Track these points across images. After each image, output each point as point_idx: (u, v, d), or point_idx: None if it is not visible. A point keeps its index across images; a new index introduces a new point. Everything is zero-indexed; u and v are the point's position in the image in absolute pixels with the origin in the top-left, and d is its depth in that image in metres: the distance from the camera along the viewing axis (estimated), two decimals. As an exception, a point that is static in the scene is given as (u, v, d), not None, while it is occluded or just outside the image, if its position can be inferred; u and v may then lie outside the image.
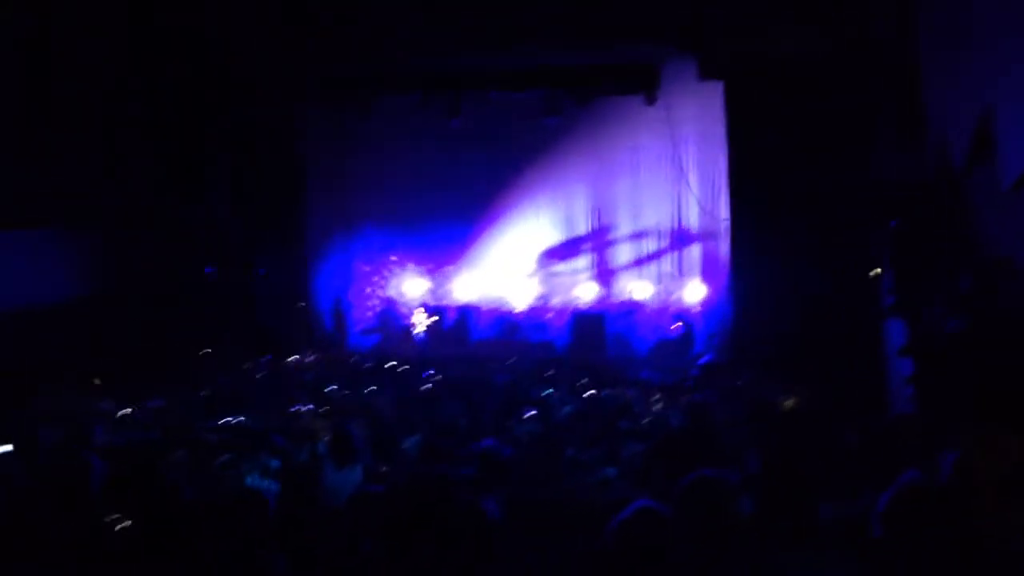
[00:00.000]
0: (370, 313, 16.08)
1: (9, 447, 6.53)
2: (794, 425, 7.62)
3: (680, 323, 14.38)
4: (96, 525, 4.24)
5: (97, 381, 10.66)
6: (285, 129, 14.93)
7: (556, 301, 15.61)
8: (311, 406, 9.45)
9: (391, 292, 16.10)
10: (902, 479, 3.14)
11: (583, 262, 15.99)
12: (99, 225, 12.34)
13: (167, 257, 13.12)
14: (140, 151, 12.89)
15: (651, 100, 14.43)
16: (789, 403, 8.66)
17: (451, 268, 16.08)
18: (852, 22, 10.34)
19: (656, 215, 15.41)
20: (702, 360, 12.97)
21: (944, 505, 3.04)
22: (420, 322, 15.20)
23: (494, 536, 3.77)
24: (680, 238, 15.21)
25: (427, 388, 10.89)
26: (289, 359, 13.57)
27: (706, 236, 14.64)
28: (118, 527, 4.24)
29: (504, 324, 15.50)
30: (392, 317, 15.76)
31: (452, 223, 15.85)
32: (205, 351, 12.69)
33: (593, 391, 10.58)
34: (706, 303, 14.49)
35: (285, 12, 11.37)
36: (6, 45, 10.67)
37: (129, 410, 9.26)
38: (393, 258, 16.11)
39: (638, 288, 15.31)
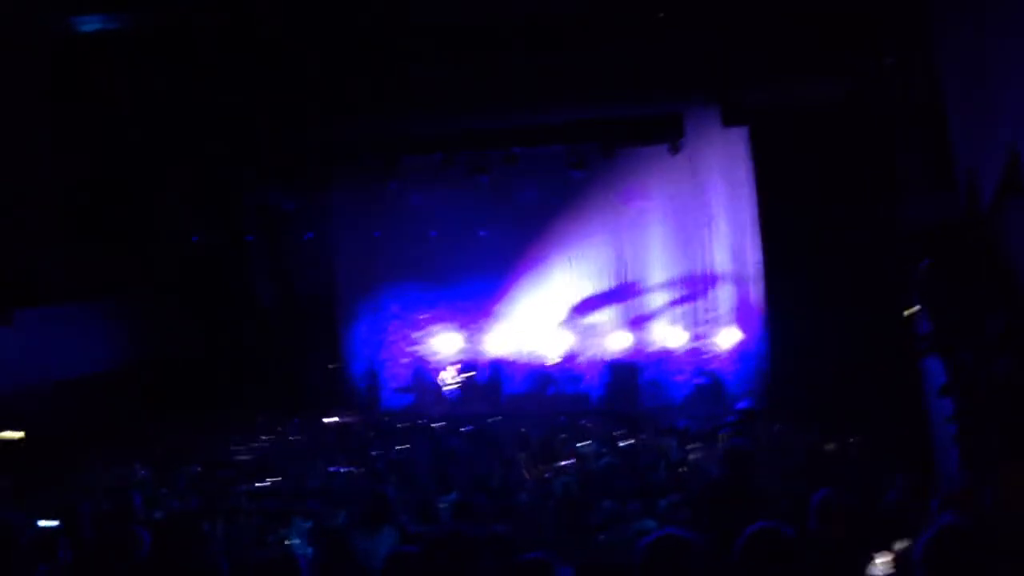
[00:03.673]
0: (403, 371, 16.10)
1: (55, 522, 6.56)
2: (839, 473, 7.50)
3: (705, 376, 14.26)
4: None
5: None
6: (314, 192, 15.14)
7: (589, 352, 15.55)
8: (345, 467, 9.44)
9: (423, 350, 16.12)
10: (939, 522, 3.07)
11: (614, 312, 15.92)
12: (135, 298, 12.55)
13: (200, 325, 13.28)
14: (178, 224, 13.14)
15: (676, 149, 14.45)
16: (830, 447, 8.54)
17: (482, 323, 16.09)
18: (874, 65, 10.35)
19: (686, 262, 15.34)
20: (739, 406, 12.84)
21: (985, 546, 2.97)
22: (452, 378, 15.17)
23: None
24: (711, 284, 15.12)
25: (461, 445, 10.85)
26: (323, 420, 13.58)
27: (737, 281, 14.56)
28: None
29: (537, 377, 15.44)
30: (425, 375, 15.76)
31: (482, 279, 15.88)
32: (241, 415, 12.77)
33: (629, 441, 10.50)
34: (740, 348, 14.37)
35: (309, 79, 11.57)
36: (49, 124, 10.99)
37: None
38: (424, 316, 16.15)
39: (671, 336, 15.21)
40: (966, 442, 6.99)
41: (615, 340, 15.52)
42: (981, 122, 7.77)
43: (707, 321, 15.11)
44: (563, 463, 9.32)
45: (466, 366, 15.44)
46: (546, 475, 8.97)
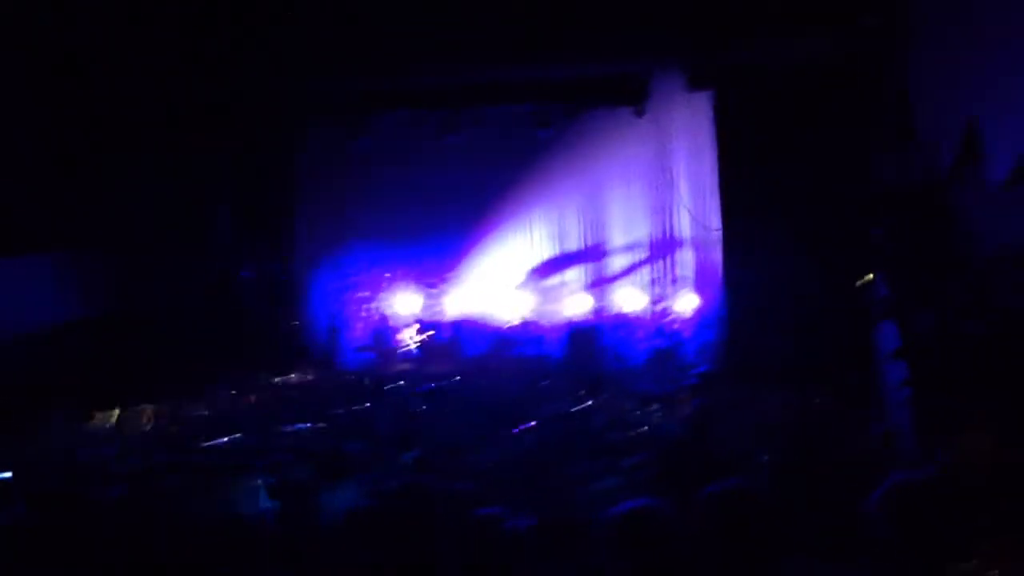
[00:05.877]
0: (364, 330, 16.04)
1: (8, 474, 6.50)
2: (795, 434, 7.61)
3: (665, 339, 14.35)
4: (106, 551, 4.20)
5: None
6: (279, 148, 14.96)
7: (550, 314, 15.59)
8: (307, 424, 9.44)
9: (385, 309, 16.07)
10: (892, 478, 3.14)
11: (576, 274, 15.96)
12: (95, 248, 12.35)
13: (163, 280, 13.12)
14: (142, 174, 12.92)
15: (640, 111, 14.46)
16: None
17: (444, 284, 16.05)
18: (843, 30, 10.39)
19: (648, 226, 15.38)
20: (699, 369, 12.96)
21: (937, 500, 3.05)
22: (414, 338, 15.15)
23: (521, 555, 3.75)
24: (672, 248, 15.19)
25: (423, 404, 10.88)
26: (284, 378, 13.52)
27: (698, 245, 14.65)
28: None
29: (498, 339, 15.46)
30: (386, 334, 15.72)
31: (444, 239, 15.81)
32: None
33: (590, 403, 10.58)
34: (700, 312, 14.49)
35: (278, 31, 11.40)
36: (23, 69, 10.72)
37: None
38: (386, 275, 16.08)
39: (632, 299, 15.30)
40: (921, 404, 7.14)
41: (576, 303, 15.57)
42: (943, 88, 7.86)
43: (668, 285, 15.21)
44: (525, 424, 9.38)
45: (427, 326, 15.42)
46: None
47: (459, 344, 15.47)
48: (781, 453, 5.60)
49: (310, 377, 13.87)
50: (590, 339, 14.88)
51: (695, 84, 12.66)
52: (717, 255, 13.72)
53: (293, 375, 13.76)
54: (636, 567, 3.26)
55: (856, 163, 10.14)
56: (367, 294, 16.10)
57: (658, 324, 14.88)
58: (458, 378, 12.93)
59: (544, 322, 15.59)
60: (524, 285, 15.96)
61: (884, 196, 8.85)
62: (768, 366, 10.93)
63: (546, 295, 15.84)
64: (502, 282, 15.97)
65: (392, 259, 16.03)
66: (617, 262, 15.72)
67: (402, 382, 12.60)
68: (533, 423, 9.40)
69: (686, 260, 14.99)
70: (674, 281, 15.20)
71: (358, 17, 11.03)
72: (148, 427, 9.88)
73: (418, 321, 15.58)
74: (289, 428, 9.33)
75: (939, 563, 3.01)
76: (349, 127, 14.94)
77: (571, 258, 16.01)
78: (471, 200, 15.64)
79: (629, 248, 15.61)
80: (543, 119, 14.57)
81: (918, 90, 8.59)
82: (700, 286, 14.65)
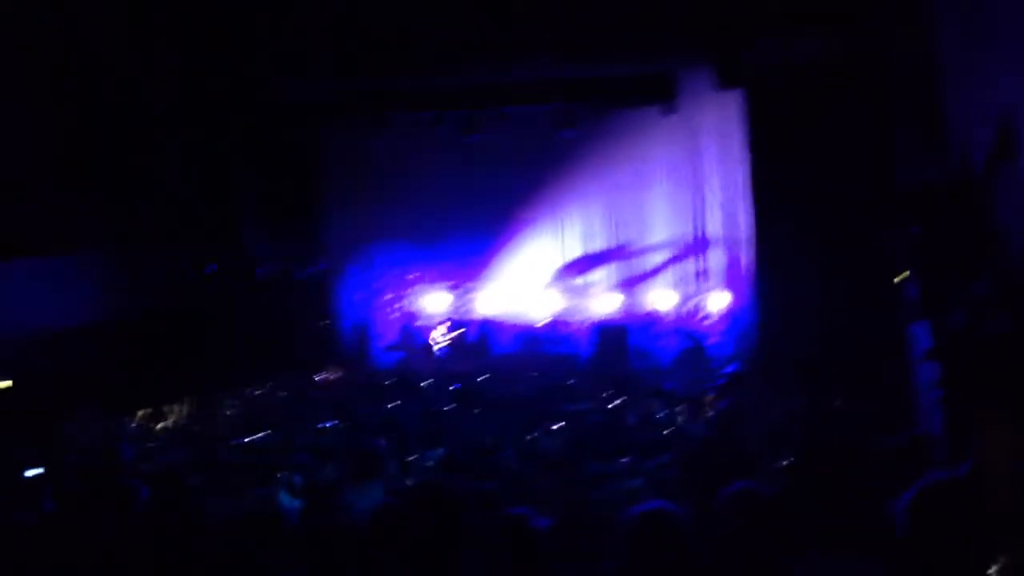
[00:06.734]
0: (392, 329, 16.11)
1: (40, 470, 6.58)
2: (822, 434, 7.53)
3: (693, 339, 14.27)
4: (135, 549, 4.24)
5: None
6: (303, 148, 15.03)
7: (578, 313, 15.59)
8: (335, 422, 9.47)
9: (413, 308, 16.13)
10: (924, 480, 3.11)
11: (604, 274, 15.95)
12: (123, 248, 12.46)
13: (190, 279, 13.22)
14: (163, 174, 13.01)
15: (668, 110, 14.40)
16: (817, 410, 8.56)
17: (472, 283, 16.09)
18: (869, 26, 10.29)
19: (677, 225, 15.36)
20: (727, 369, 12.87)
21: (968, 502, 3.01)
22: (442, 338, 15.20)
23: (544, 554, 3.74)
24: (701, 247, 15.13)
25: (450, 403, 10.88)
26: (313, 376, 13.59)
27: (728, 245, 14.57)
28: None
29: (526, 338, 15.48)
30: (414, 333, 15.78)
31: (472, 238, 15.87)
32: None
33: (617, 403, 10.55)
34: (730, 312, 14.41)
35: (299, 30, 11.44)
36: (34, 75, 10.81)
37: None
38: (414, 274, 16.14)
39: (660, 299, 15.25)
40: (951, 405, 7.05)
41: (605, 302, 15.56)
42: (976, 86, 7.74)
43: (697, 284, 15.15)
44: (551, 424, 9.36)
45: (455, 325, 15.47)
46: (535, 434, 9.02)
47: (487, 343, 15.51)
48: (806, 455, 5.54)
49: (338, 376, 13.94)
50: (618, 338, 14.85)
51: (724, 82, 12.55)
52: (747, 255, 13.63)
53: (322, 374, 13.83)
54: (649, 569, 3.25)
55: (887, 162, 10.02)
56: (395, 294, 16.19)
57: (687, 323, 14.83)
58: (486, 377, 12.92)
59: (572, 321, 15.58)
60: (552, 284, 15.96)
61: (918, 195, 8.74)
62: (797, 367, 10.83)
63: (575, 294, 15.84)
64: (530, 281, 15.99)
65: (420, 258, 16.11)
66: (646, 261, 15.70)
67: (429, 381, 12.61)
68: (561, 423, 9.36)
69: (716, 259, 14.92)
70: (704, 280, 15.13)
71: (381, 17, 11.04)
72: (176, 425, 9.97)
73: (446, 320, 15.64)
74: (317, 426, 9.37)
75: (966, 566, 2.97)
76: (370, 127, 14.98)
77: (600, 257, 16.00)
78: (499, 200, 15.68)
79: (658, 247, 15.59)
80: (569, 119, 14.54)
81: (951, 87, 8.48)
82: (730, 285, 14.56)
